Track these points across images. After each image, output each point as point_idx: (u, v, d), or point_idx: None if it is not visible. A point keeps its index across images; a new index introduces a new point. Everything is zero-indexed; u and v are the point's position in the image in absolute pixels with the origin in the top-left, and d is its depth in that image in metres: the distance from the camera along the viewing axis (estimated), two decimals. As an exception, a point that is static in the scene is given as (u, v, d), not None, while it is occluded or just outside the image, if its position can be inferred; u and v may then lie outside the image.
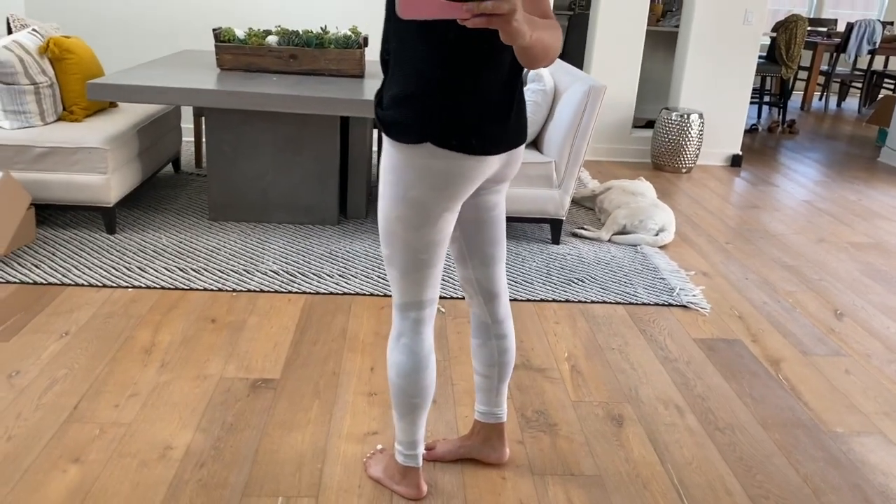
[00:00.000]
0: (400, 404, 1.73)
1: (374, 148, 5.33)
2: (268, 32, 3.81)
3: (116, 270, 3.05)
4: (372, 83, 3.65)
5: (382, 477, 1.89)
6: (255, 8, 5.01)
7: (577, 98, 3.43)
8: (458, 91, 1.45)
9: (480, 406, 1.96)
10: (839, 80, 9.03)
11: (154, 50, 5.07)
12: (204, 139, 3.96)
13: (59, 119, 3.55)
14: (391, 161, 1.52)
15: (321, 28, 3.88)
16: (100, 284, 2.92)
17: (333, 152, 3.63)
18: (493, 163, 1.54)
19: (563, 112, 3.50)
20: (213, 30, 3.73)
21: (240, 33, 3.75)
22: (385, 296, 2.99)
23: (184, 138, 5.25)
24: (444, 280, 3.14)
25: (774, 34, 7.20)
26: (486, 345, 1.86)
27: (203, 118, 4.33)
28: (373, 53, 5.13)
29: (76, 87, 3.55)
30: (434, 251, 1.59)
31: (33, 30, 3.54)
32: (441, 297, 2.97)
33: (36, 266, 3.03)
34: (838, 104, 9.30)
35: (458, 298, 3.00)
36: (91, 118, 3.62)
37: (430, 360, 1.70)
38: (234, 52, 3.69)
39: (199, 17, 5.01)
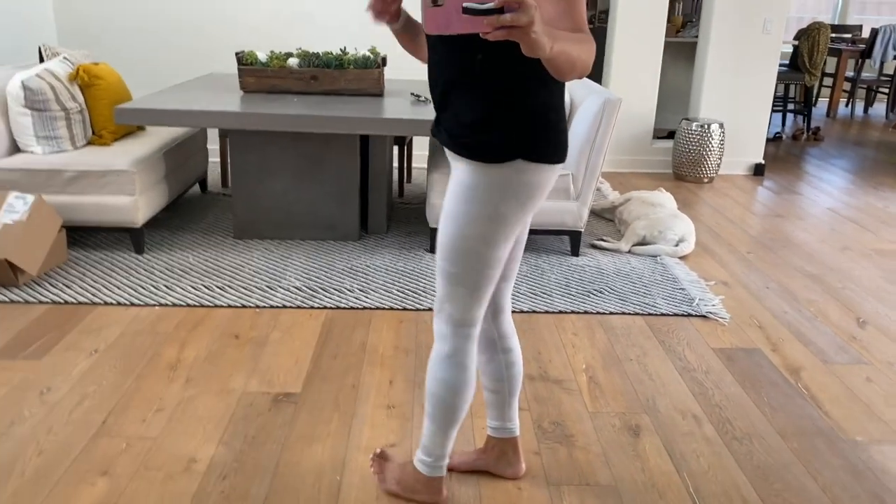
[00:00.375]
0: (443, 418, 1.76)
1: (395, 164, 5.39)
2: (289, 55, 3.90)
3: (144, 289, 3.13)
4: (391, 101, 3.71)
5: (399, 490, 1.92)
6: (277, 31, 5.12)
7: (593, 111, 3.46)
8: (542, 106, 1.51)
9: (493, 422, 1.99)
10: (865, 85, 8.94)
11: (180, 73, 5.20)
12: (229, 159, 4.05)
13: (89, 143, 3.66)
14: (474, 180, 1.54)
15: (341, 49, 3.96)
16: (128, 303, 3.00)
17: (354, 170, 3.70)
18: (559, 171, 1.61)
19: (580, 125, 3.53)
20: (236, 53, 3.83)
21: (262, 56, 3.84)
22: (404, 309, 3.04)
23: (210, 159, 5.37)
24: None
25: (797, 42, 7.16)
26: (494, 360, 1.89)
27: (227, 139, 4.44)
28: (391, 72, 5.20)
29: (105, 112, 3.66)
30: (501, 266, 1.64)
31: (64, 58, 3.67)
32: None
33: (67, 286, 3.12)
34: (865, 110, 9.20)
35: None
36: (120, 142, 3.74)
37: (475, 373, 1.76)
38: (257, 74, 3.78)
39: (223, 41, 5.13)
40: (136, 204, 3.40)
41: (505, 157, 1.51)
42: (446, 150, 1.61)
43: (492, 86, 1.49)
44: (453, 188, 1.59)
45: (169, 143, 3.82)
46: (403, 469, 1.93)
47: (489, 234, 1.56)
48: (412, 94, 3.92)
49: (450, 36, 1.45)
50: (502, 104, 1.49)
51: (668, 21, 6.51)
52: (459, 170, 1.57)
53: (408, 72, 5.23)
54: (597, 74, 5.86)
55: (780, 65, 7.18)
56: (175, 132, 4.03)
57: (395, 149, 5.47)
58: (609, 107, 3.41)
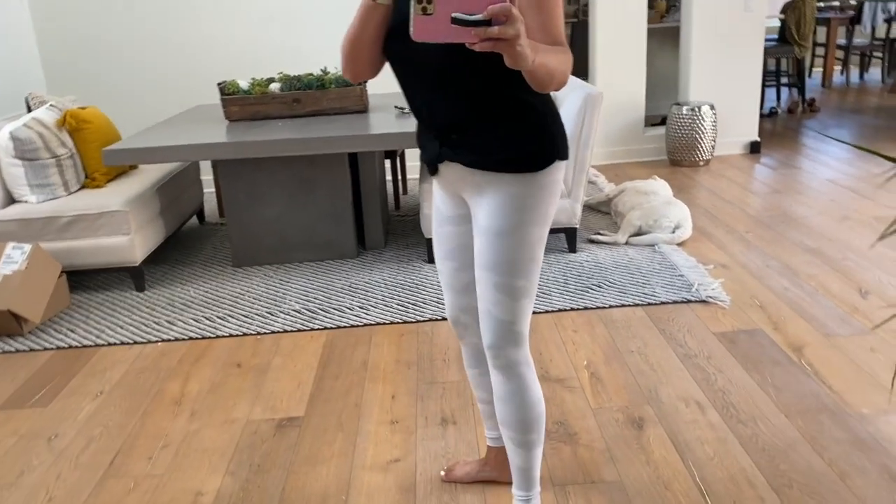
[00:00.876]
0: (542, 435, 1.74)
1: (388, 178, 5.41)
2: (271, 80, 3.93)
3: (146, 327, 3.16)
4: (376, 117, 3.73)
5: None
6: (258, 56, 5.16)
7: (576, 107, 3.47)
8: (553, 108, 1.57)
9: (491, 432, 1.99)
10: (858, 52, 8.87)
11: (169, 108, 5.25)
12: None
13: (83, 187, 3.70)
14: (524, 190, 1.55)
15: (321, 70, 3.98)
16: (131, 342, 3.03)
17: (345, 188, 3.72)
18: None
19: (564, 122, 3.52)
20: (218, 84, 3.86)
21: (244, 84, 3.87)
22: (405, 322, 3.05)
23: (206, 189, 5.41)
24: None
25: (783, 15, 7.12)
26: (487, 372, 1.89)
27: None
28: (373, 87, 5.22)
29: (96, 155, 3.71)
30: None
31: (51, 105, 3.72)
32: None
33: (71, 331, 3.16)
34: (861, 76, 9.12)
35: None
36: (113, 182, 3.78)
37: None
38: (240, 103, 3.81)
39: (209, 72, 5.18)
40: (132, 242, 3.43)
41: (549, 161, 1.55)
42: (470, 170, 1.57)
43: (513, 98, 1.50)
44: (500, 204, 1.55)
45: (162, 179, 3.86)
46: None
47: (544, 235, 1.62)
48: (396, 107, 3.94)
49: (450, 63, 1.45)
50: (528, 113, 1.52)
51: (652, 7, 6.50)
52: (501, 185, 1.55)
53: (390, 86, 5.24)
54: (583, 67, 5.85)
55: (769, 39, 7.14)
56: (167, 167, 4.07)
57: (388, 162, 5.49)
58: (591, 101, 3.41)
